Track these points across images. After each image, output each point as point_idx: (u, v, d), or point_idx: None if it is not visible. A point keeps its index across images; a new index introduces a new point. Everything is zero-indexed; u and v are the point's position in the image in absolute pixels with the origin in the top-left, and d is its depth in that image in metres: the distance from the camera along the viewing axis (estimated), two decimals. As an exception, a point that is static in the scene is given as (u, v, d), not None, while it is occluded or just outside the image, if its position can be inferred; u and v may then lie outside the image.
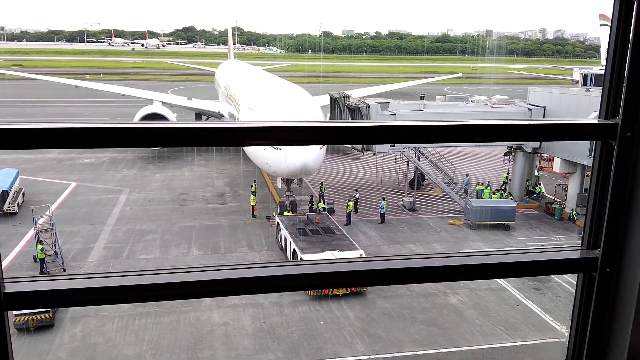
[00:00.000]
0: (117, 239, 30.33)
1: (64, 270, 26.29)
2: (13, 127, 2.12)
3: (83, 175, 42.31)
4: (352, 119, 39.22)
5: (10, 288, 2.18)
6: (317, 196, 37.29)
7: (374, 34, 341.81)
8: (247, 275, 2.48)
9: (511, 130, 2.74)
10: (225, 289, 2.53)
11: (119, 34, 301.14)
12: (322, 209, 33.67)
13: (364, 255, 25.75)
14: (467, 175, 41.96)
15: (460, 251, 26.95)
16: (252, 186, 36.95)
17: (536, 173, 43.20)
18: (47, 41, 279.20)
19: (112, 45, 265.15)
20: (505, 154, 42.89)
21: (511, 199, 37.42)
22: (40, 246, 26.12)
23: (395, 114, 38.25)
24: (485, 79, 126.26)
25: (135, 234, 31.13)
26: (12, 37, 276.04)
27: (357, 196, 36.26)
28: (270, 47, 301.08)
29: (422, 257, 2.71)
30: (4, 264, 26.81)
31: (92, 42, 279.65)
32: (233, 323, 21.75)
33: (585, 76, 71.09)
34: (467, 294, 24.97)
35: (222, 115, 53.79)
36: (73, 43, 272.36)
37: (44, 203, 31.33)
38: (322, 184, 38.64)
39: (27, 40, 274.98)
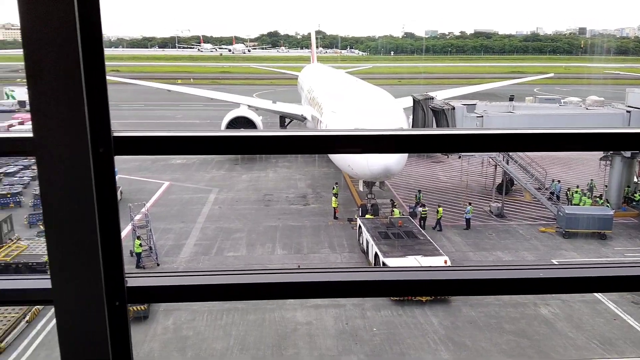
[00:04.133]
0: (207, 237, 31.61)
1: (158, 264, 27.78)
2: (139, 135, 2.27)
3: (175, 175, 44.44)
4: (436, 121, 38.51)
5: (131, 283, 2.30)
6: (414, 203, 36.38)
7: (459, 34, 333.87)
8: (330, 279, 2.49)
9: (602, 139, 2.52)
10: (309, 291, 2.56)
11: (208, 39, 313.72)
12: (400, 214, 33.21)
13: (448, 262, 25.22)
14: (557, 182, 39.93)
15: (553, 261, 25.69)
16: (333, 188, 37.24)
17: (635, 179, 40.38)
18: (142, 47, 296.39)
19: (201, 51, 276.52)
20: (601, 159, 40.44)
21: (607, 206, 35.21)
22: (138, 241, 27.73)
23: (482, 116, 37.18)
24: (579, 80, 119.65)
25: (224, 232, 32.30)
26: (109, 44, 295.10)
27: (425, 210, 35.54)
28: (352, 50, 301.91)
29: (512, 268, 2.59)
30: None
31: (183, 48, 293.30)
32: (316, 323, 22.02)
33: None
34: (558, 305, 23.78)
35: (305, 118, 54.63)
36: (165, 49, 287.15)
37: (139, 201, 33.21)
38: (419, 191, 37.72)
39: (123, 47, 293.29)
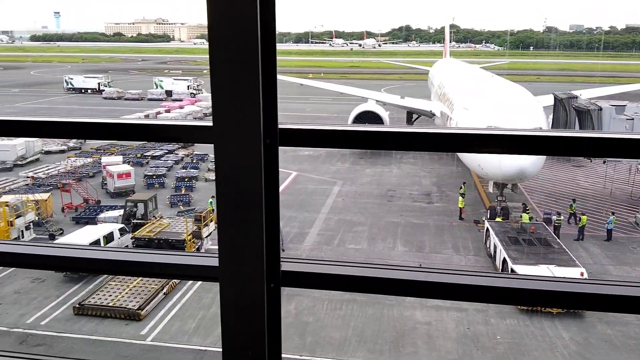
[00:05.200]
0: (329, 227, 32.23)
1: (283, 250, 28.83)
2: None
3: (302, 166, 45.83)
4: (579, 122, 35.75)
5: (285, 267, 2.39)
6: (570, 215, 33.26)
7: (608, 29, 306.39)
8: (453, 281, 2.39)
9: None
10: (430, 291, 2.49)
11: (340, 35, 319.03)
12: (530, 219, 31.21)
13: (585, 274, 23.34)
14: None
15: None
16: (461, 188, 36.06)
17: None
18: (278, 43, 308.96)
19: (333, 46, 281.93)
20: None
21: None
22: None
23: (632, 119, 33.84)
24: None
25: (346, 224, 32.72)
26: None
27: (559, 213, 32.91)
28: (488, 45, 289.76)
29: None
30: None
31: (315, 43, 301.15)
32: (436, 324, 21.54)
33: None
34: None
35: (434, 115, 53.48)
36: (299, 44, 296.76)
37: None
38: (574, 200, 34.02)
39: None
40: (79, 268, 2.81)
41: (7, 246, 2.95)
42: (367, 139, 2.41)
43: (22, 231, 29.78)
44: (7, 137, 43.51)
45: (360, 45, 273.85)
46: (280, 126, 2.22)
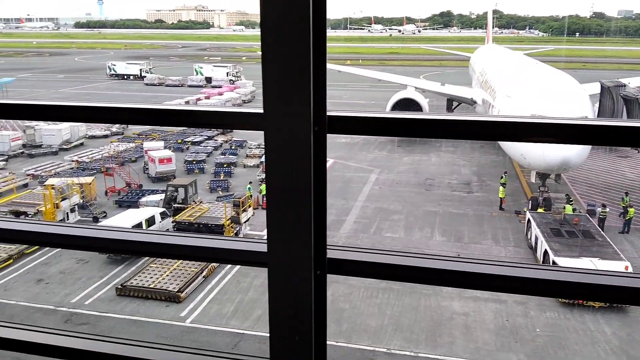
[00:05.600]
0: (366, 215, 32.15)
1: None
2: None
3: (340, 153, 45.77)
4: (627, 111, 34.48)
5: (330, 254, 2.38)
6: (623, 208, 31.17)
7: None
8: (493, 272, 2.33)
9: None
10: (469, 281, 2.42)
11: (379, 21, 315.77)
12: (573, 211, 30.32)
13: (630, 268, 22.62)
14: None
15: None
16: (502, 177, 35.36)
17: None
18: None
19: (371, 32, 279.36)
20: None
21: None
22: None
23: (686, 108, 32.39)
24: None
25: (383, 212, 32.58)
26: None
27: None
28: (532, 30, 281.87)
29: None
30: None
31: (354, 29, 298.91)
32: (474, 315, 21.29)
33: None
34: None
35: (475, 102, 52.50)
36: (337, 30, 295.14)
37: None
38: (626, 194, 31.84)
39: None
40: (128, 250, 2.85)
41: (53, 227, 3.03)
42: (416, 127, 2.38)
43: (67, 213, 30.78)
44: (54, 122, 44.93)
45: (399, 31, 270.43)
46: (329, 113, 2.19)
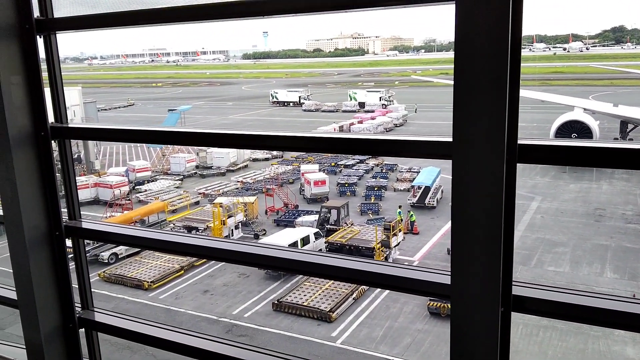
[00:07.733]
0: (526, 246, 30.08)
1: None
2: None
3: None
4: None
5: (515, 291, 2.24)
6: None
7: None
8: None
9: None
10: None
11: (542, 39, 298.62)
12: None
13: None
14: None
15: None
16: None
17: None
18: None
19: (533, 51, 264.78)
20: None
21: None
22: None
23: None
24: None
25: (545, 244, 30.26)
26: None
27: None
28: None
29: None
30: (418, 255, 30.16)
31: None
32: (654, 366, 18.72)
33: None
34: None
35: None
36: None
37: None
38: None
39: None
40: (289, 268, 2.95)
41: (221, 243, 3.31)
42: (616, 157, 2.10)
43: (232, 230, 33.25)
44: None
45: (564, 49, 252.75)
46: (521, 141, 2.05)
